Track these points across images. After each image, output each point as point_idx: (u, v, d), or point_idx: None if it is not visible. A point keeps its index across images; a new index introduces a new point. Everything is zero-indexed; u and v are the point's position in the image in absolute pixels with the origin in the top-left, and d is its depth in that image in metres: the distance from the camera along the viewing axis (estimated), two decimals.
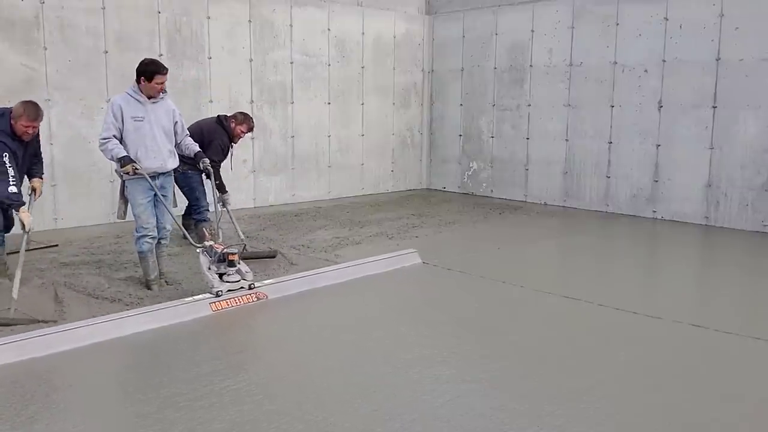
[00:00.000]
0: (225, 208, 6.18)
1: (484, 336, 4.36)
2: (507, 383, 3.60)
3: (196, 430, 3.07)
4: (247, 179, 9.14)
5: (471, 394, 3.46)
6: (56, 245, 6.61)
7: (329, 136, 10.02)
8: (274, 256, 6.20)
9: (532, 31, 9.72)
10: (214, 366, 3.79)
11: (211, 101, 8.60)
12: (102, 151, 5.10)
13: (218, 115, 6.83)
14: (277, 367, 3.84)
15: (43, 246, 6.52)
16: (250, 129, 6.84)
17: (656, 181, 8.52)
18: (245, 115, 6.80)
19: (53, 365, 3.84)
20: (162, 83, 5.09)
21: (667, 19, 8.24)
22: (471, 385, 3.57)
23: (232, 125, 6.65)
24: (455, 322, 4.61)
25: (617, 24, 8.73)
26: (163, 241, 5.39)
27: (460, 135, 10.88)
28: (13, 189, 4.85)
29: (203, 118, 7.34)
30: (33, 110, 5.09)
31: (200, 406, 3.30)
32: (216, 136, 6.50)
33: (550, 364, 3.87)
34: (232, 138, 6.71)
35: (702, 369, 3.87)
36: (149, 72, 5.01)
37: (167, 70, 5.11)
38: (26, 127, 5.06)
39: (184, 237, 5.55)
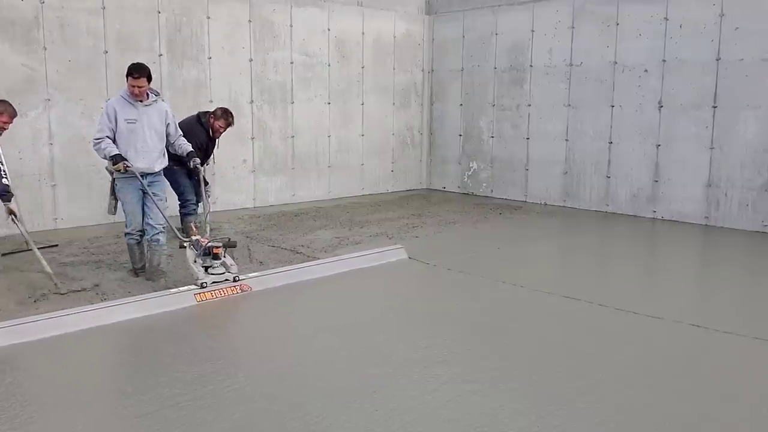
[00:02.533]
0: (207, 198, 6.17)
1: (484, 336, 4.36)
2: (507, 383, 3.60)
3: (196, 430, 3.07)
4: (247, 179, 9.14)
5: (471, 394, 3.46)
6: (56, 245, 6.61)
7: (329, 136, 10.02)
8: None
9: (532, 31, 9.72)
10: (214, 366, 3.80)
11: (211, 101, 8.59)
12: (96, 150, 5.29)
13: (198, 112, 6.88)
14: (276, 367, 3.84)
15: (43, 246, 6.51)
16: (229, 125, 6.84)
17: (656, 181, 8.52)
18: (225, 110, 6.81)
19: (47, 360, 3.85)
20: (135, 86, 5.19)
21: (667, 19, 8.23)
22: (471, 385, 3.57)
23: (211, 121, 6.73)
24: (455, 321, 4.60)
25: (617, 24, 8.72)
26: (159, 237, 5.45)
27: (460, 135, 10.87)
28: (6, 182, 5.44)
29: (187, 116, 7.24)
30: (11, 108, 5.54)
31: (200, 406, 3.29)
32: (191, 136, 6.31)
33: (550, 364, 3.86)
34: (213, 134, 6.77)
35: (702, 369, 3.87)
36: (126, 73, 5.24)
37: (141, 74, 5.16)
38: (5, 122, 5.52)
39: (171, 231, 5.62)
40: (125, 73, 5.20)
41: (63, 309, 4.52)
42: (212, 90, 8.61)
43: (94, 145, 5.26)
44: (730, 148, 7.83)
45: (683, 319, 4.64)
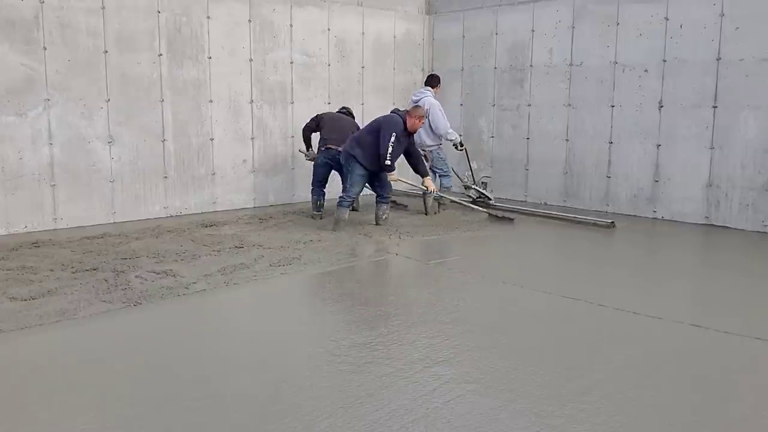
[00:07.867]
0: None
1: (484, 336, 4.35)
2: (507, 383, 3.60)
3: (196, 431, 3.07)
4: (247, 179, 9.14)
5: (471, 394, 3.46)
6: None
7: None
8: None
9: (533, 31, 9.72)
10: (215, 367, 3.80)
11: (211, 101, 8.60)
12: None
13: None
14: (278, 367, 3.84)
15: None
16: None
17: (657, 181, 8.52)
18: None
19: (42, 359, 3.85)
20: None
21: (667, 19, 8.23)
22: (471, 385, 3.57)
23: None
24: (455, 321, 4.60)
25: (617, 24, 8.72)
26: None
27: (460, 135, 10.82)
28: None
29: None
30: None
31: (200, 407, 3.29)
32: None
33: (550, 364, 3.86)
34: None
35: (702, 369, 3.86)
36: None
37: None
38: None
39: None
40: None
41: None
42: (212, 90, 8.61)
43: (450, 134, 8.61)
44: (731, 148, 7.82)
45: (683, 320, 4.64)
